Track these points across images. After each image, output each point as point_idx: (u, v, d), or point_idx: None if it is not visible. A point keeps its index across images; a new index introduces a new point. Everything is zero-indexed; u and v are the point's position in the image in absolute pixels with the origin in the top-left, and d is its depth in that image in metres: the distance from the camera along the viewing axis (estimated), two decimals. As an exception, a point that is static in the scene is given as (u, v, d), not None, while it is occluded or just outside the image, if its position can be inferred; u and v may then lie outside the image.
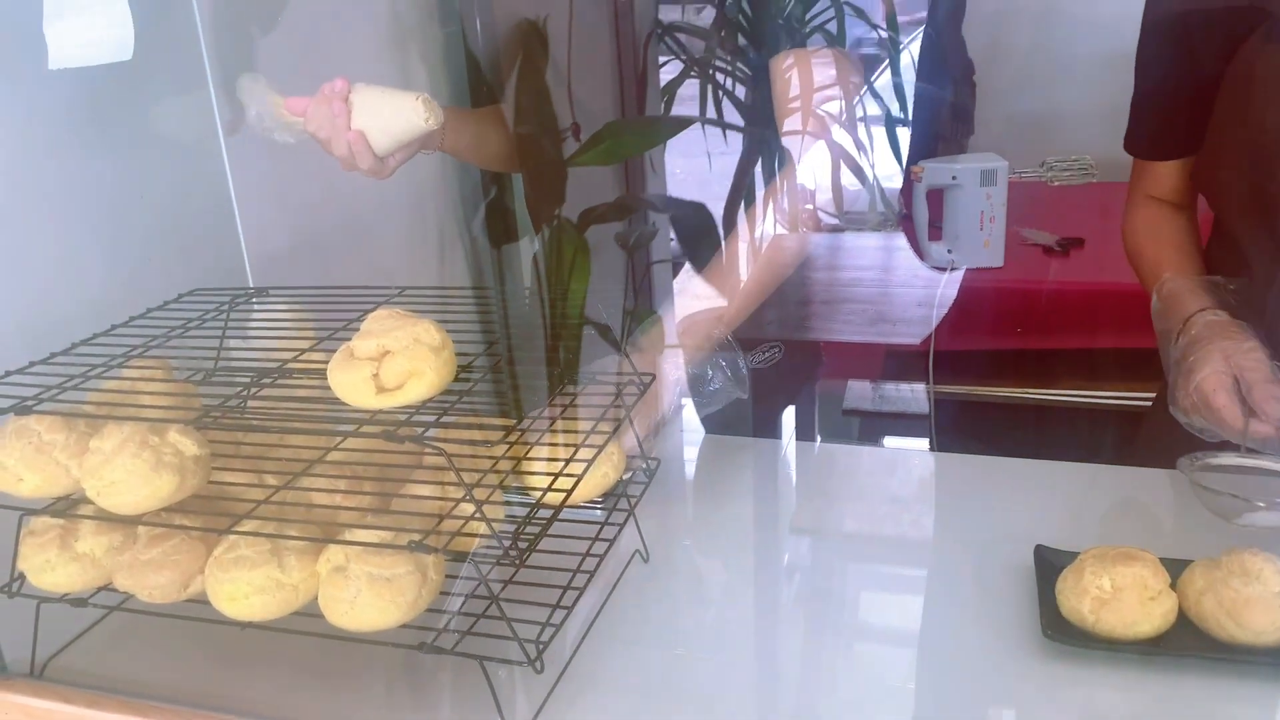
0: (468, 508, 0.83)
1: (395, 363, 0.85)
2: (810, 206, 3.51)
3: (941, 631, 0.99)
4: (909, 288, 2.31)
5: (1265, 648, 0.87)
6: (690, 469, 1.36)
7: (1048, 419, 2.20)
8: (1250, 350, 1.05)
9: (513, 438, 0.96)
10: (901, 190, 2.38)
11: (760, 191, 3.05)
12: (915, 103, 2.38)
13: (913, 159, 2.33)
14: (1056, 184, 2.37)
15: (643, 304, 3.06)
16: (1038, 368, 2.25)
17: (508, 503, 0.96)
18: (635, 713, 0.90)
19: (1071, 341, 2.20)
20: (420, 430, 0.85)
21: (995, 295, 2.26)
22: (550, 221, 2.35)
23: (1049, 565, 0.98)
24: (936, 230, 2.21)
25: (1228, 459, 1.05)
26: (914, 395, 2.40)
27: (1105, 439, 2.01)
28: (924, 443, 2.41)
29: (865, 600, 1.06)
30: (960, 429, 2.33)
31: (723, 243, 2.82)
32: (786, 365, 2.35)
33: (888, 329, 2.27)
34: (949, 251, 2.20)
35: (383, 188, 1.20)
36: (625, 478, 1.04)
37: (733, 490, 1.29)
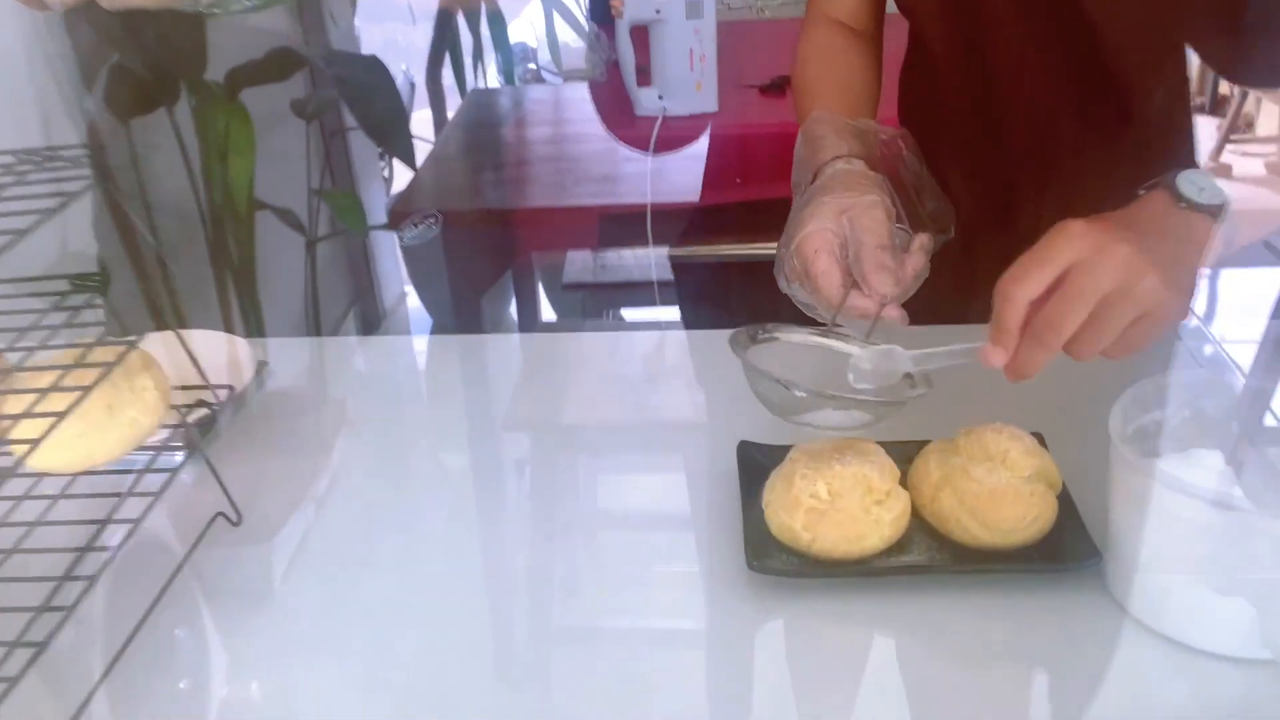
0: None
1: None
2: (533, 66, 3.17)
3: (636, 563, 0.77)
4: (618, 143, 2.06)
5: (1014, 549, 0.69)
6: (344, 382, 1.08)
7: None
8: (871, 206, 0.78)
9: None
10: (602, 30, 2.11)
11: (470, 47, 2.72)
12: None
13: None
14: (769, 15, 2.16)
15: (342, 183, 2.70)
16: (764, 220, 2.06)
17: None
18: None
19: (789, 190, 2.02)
20: None
21: (711, 144, 2.04)
22: (192, 87, 1.96)
23: (756, 467, 0.77)
24: (645, 74, 1.97)
25: (797, 335, 0.78)
26: (636, 261, 2.19)
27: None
28: (652, 313, 2.21)
29: (547, 525, 0.83)
30: (690, 294, 2.14)
31: (407, 110, 2.48)
32: (483, 239, 2.08)
33: (599, 189, 2.03)
34: (660, 97, 1.96)
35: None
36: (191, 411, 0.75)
37: (396, 399, 1.02)
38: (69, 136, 1.75)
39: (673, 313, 2.16)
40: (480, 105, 2.40)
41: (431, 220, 1.35)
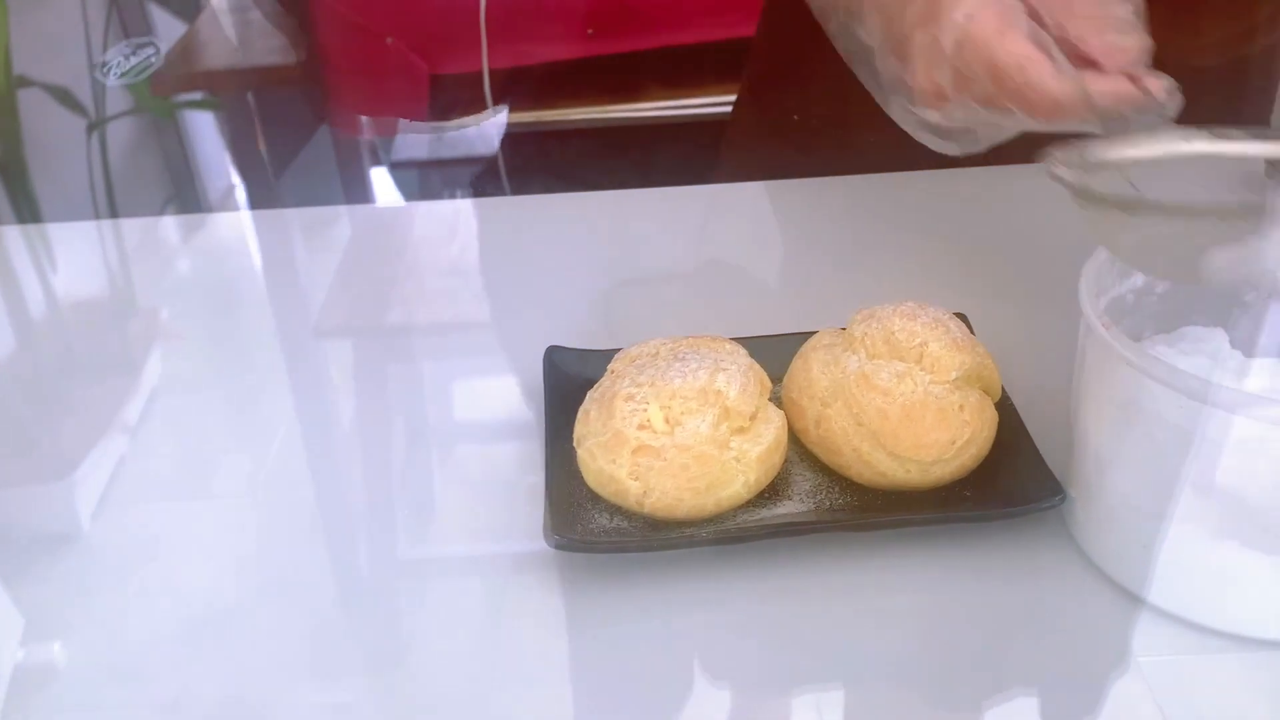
0: None
1: None
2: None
3: (422, 520, 0.53)
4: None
5: (939, 487, 0.48)
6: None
7: (631, 140, 1.78)
8: None
9: None
10: None
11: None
12: None
13: None
14: None
15: (138, 54, 2.33)
16: (621, 79, 1.80)
17: None
18: None
19: (652, 40, 1.76)
20: None
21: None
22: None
23: (569, 384, 0.53)
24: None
25: (1155, 144, 0.44)
26: (476, 132, 1.91)
27: (692, 160, 1.62)
28: (492, 188, 1.95)
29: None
30: (536, 165, 1.88)
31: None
32: (271, 108, 1.77)
33: (427, 49, 1.74)
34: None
35: None
36: None
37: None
38: None
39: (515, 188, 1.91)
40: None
41: (150, 49, 1.06)
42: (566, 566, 0.47)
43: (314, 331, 0.70)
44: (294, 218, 0.85)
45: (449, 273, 0.74)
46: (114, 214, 1.89)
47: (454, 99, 1.83)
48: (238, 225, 0.90)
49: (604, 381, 0.50)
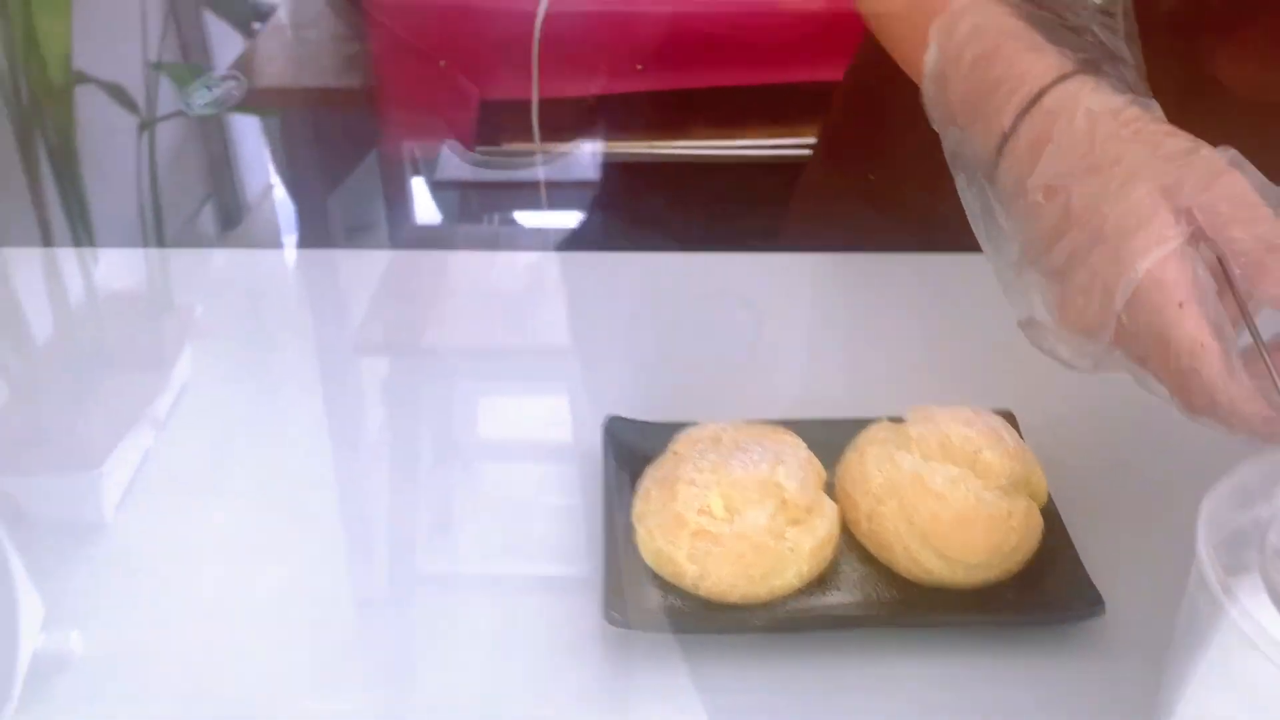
0: None
1: None
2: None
3: (475, 606, 0.55)
4: (501, 18, 1.79)
5: (982, 587, 0.49)
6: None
7: (687, 179, 1.80)
8: (1219, 176, 0.41)
9: None
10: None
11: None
12: None
13: None
14: None
15: (197, 57, 2.37)
16: (672, 115, 1.82)
17: None
18: None
19: (701, 80, 1.78)
20: None
21: (609, 22, 1.79)
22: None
23: (630, 456, 0.55)
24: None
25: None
26: (521, 157, 1.93)
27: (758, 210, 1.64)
28: (537, 217, 1.97)
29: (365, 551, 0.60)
30: (582, 197, 1.90)
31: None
32: (333, 127, 1.80)
33: (478, 71, 1.76)
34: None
35: None
36: None
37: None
38: None
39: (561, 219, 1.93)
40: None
41: (232, 82, 1.09)
42: (614, 639, 0.49)
43: (355, 353, 0.72)
44: (347, 257, 0.87)
45: (504, 323, 0.77)
46: (157, 210, 1.92)
47: (502, 125, 1.86)
48: (285, 259, 0.92)
49: (666, 461, 0.52)
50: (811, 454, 0.51)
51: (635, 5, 1.73)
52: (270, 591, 0.53)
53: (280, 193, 2.59)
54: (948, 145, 0.51)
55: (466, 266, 0.82)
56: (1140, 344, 0.42)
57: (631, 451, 0.56)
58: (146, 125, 1.91)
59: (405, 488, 0.62)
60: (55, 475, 0.62)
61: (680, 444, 0.53)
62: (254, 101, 1.67)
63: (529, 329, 0.74)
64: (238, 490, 0.59)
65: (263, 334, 0.75)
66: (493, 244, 1.71)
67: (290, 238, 2.08)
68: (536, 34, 1.71)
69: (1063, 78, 0.45)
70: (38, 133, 1.73)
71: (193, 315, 0.80)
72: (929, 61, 0.50)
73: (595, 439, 0.57)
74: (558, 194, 1.91)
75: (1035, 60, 0.46)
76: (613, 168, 1.93)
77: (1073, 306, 0.43)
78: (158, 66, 1.92)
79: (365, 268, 0.81)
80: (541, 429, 0.65)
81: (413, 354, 0.73)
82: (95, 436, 0.64)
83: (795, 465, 0.50)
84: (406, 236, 2.00)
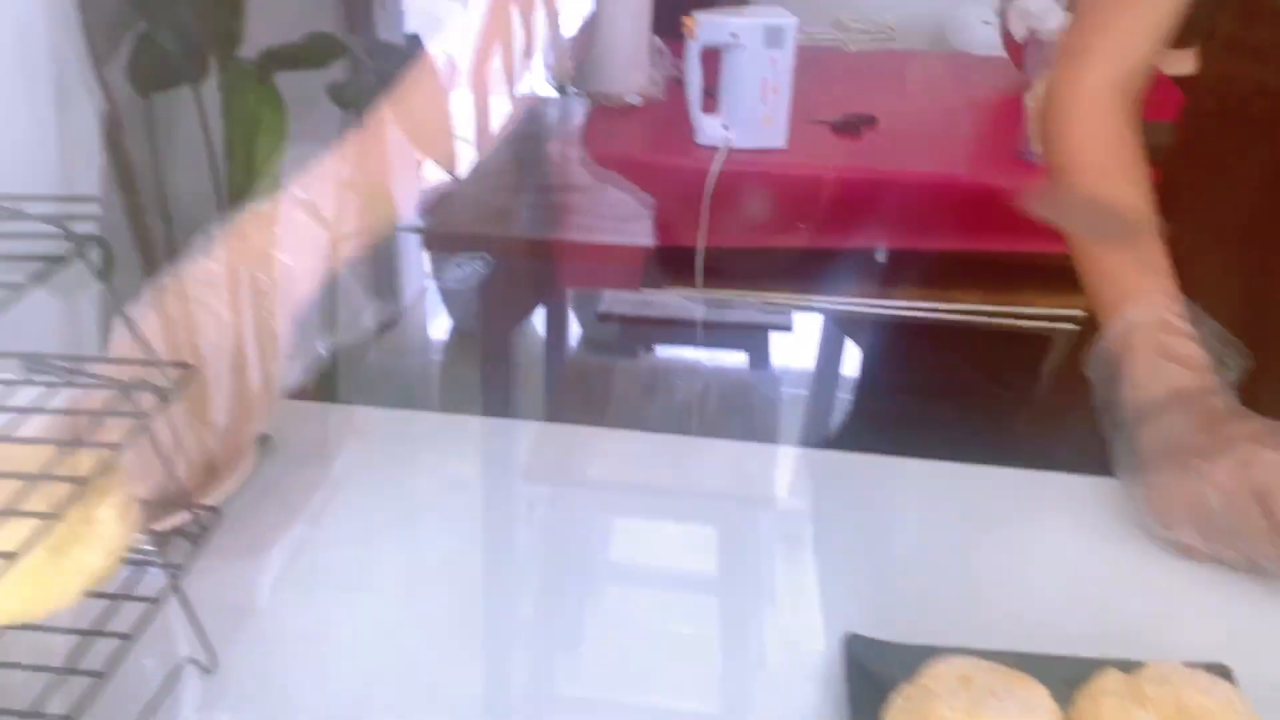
0: None
1: None
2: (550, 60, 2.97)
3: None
4: (675, 171, 1.89)
5: None
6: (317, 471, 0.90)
7: (839, 334, 1.87)
8: None
9: None
10: (667, 45, 1.95)
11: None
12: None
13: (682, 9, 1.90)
14: (855, 49, 1.99)
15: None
16: (827, 269, 1.90)
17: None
18: None
19: (866, 239, 1.86)
20: None
21: (775, 182, 1.88)
22: (223, 64, 1.81)
23: (868, 683, 0.61)
24: (711, 100, 1.81)
25: None
26: (681, 301, 2.02)
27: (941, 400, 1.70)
28: (693, 353, 2.06)
29: None
30: (737, 341, 1.99)
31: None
32: (504, 279, 1.91)
33: (650, 222, 1.86)
34: (724, 128, 1.80)
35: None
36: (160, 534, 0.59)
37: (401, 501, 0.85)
38: (84, 106, 1.60)
39: (720, 356, 2.01)
40: (531, 117, 2.23)
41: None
42: None
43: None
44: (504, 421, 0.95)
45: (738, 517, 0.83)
46: (334, 308, 2.05)
47: (666, 271, 1.96)
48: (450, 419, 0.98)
49: (915, 694, 0.57)
50: (1055, 705, 0.56)
51: (799, 170, 1.82)
52: (401, 690, 0.58)
53: (433, 294, 2.74)
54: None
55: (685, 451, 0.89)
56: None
57: (870, 673, 0.61)
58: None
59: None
60: (224, 559, 0.68)
61: (929, 678, 0.58)
62: (444, 245, 1.79)
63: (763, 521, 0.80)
64: (378, 586, 0.66)
65: (433, 440, 0.83)
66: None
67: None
68: (709, 190, 1.81)
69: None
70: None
71: (352, 417, 0.88)
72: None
73: (821, 647, 0.63)
74: (714, 332, 1.99)
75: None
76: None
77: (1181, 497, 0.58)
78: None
79: (554, 437, 0.89)
80: (777, 636, 0.71)
81: (603, 528, 0.80)
82: (261, 525, 0.71)
83: (1044, 713, 0.55)
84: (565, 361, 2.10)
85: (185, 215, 1.89)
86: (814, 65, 1.96)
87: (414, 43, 1.83)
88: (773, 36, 1.70)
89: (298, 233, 0.68)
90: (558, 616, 0.69)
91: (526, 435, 0.91)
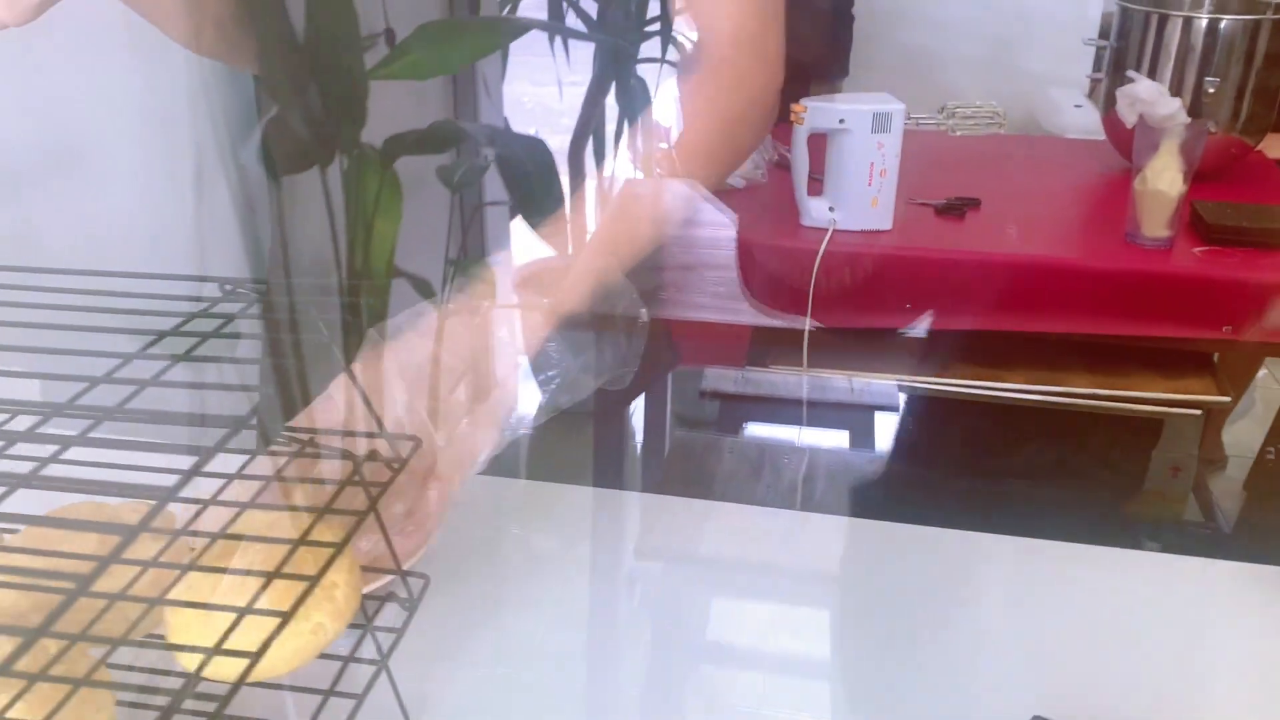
0: None
1: None
2: (665, 145, 3.07)
3: None
4: (780, 252, 1.93)
5: None
6: (498, 547, 0.94)
7: (945, 415, 1.88)
8: None
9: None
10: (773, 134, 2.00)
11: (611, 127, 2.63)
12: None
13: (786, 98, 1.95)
14: (960, 134, 2.03)
15: (473, 254, 2.61)
16: (933, 351, 1.92)
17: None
18: None
19: (970, 320, 1.87)
20: None
21: (880, 264, 1.91)
22: (349, 149, 1.90)
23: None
24: (817, 183, 1.85)
25: None
26: (784, 380, 2.05)
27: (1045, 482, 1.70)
28: (796, 431, 2.07)
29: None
30: (840, 421, 2.00)
31: (565, 192, 2.38)
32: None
33: (754, 302, 1.90)
34: (830, 209, 1.84)
35: (107, 98, 0.78)
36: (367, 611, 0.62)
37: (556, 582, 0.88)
38: (219, 187, 1.69)
39: (822, 435, 2.02)
40: (631, 194, 2.29)
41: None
42: None
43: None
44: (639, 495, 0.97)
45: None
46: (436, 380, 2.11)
47: (770, 349, 1.98)
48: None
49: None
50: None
51: (904, 251, 1.85)
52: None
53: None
54: None
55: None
56: None
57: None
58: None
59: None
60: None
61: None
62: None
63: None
64: (491, 661, 0.67)
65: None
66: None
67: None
68: (815, 270, 1.84)
69: None
70: (358, 315, 1.94)
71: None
72: None
73: None
74: (818, 412, 2.01)
75: None
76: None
77: None
78: (454, 263, 2.14)
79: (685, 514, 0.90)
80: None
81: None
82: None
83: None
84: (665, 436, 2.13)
85: (305, 294, 1.97)
86: (917, 148, 2.00)
87: (537, 145, 1.90)
88: (881, 122, 1.74)
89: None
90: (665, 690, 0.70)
91: (638, 508, 0.92)
